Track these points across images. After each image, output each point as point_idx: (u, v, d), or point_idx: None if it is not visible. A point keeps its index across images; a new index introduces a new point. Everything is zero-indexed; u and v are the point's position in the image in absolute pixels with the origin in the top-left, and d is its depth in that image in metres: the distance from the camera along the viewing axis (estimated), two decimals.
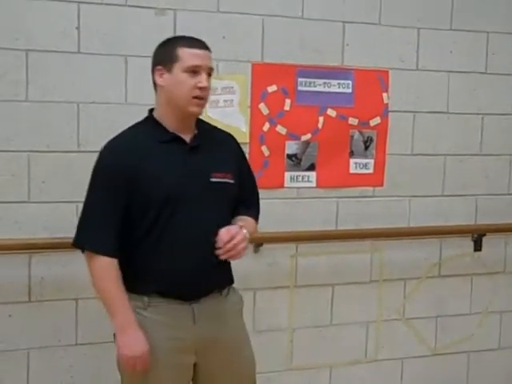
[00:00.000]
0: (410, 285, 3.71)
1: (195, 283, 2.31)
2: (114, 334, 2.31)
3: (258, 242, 3.36)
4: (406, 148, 3.63)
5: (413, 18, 3.56)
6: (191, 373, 2.40)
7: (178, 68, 2.25)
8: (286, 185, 3.41)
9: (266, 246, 3.38)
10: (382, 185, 3.60)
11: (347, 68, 3.45)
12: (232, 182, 2.40)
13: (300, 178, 3.44)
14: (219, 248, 2.24)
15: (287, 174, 3.41)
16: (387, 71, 3.53)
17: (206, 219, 2.30)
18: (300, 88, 3.37)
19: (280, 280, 3.45)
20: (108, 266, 2.24)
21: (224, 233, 2.24)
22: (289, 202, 3.43)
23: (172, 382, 2.34)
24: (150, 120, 2.36)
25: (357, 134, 3.51)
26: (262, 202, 3.31)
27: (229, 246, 2.23)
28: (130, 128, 2.37)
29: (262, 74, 3.30)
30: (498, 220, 3.77)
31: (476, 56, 3.71)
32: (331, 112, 3.44)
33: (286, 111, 3.36)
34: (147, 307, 2.30)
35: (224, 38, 3.22)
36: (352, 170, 3.53)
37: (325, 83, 3.41)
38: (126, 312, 2.25)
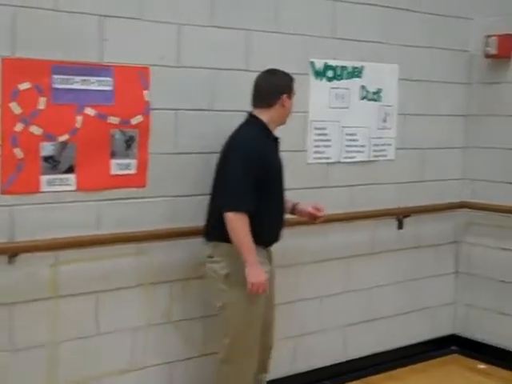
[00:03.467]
0: (177, 287, 3.87)
1: (276, 238, 3.73)
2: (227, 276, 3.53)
3: (12, 253, 3.30)
4: (169, 146, 3.77)
5: (173, 13, 3.69)
6: None
7: (291, 96, 3.67)
8: (42, 189, 3.38)
9: (22, 256, 3.33)
10: (144, 185, 3.70)
11: (107, 64, 3.49)
12: None
13: (58, 182, 3.42)
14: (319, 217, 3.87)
15: (44, 178, 3.38)
16: (148, 68, 3.63)
17: (284, 194, 3.72)
18: (56, 85, 3.35)
19: (39, 292, 3.42)
20: (247, 221, 3.45)
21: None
22: (46, 207, 3.41)
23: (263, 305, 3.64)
24: (261, 124, 3.61)
25: (118, 134, 3.56)
26: (15, 209, 3.30)
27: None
28: (251, 128, 3.60)
29: (13, 69, 3.24)
30: None
31: (237, 53, 3.96)
32: (90, 111, 3.46)
33: (41, 110, 3.33)
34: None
35: None
36: (113, 171, 3.58)
37: (83, 80, 3.43)
38: (255, 253, 3.46)
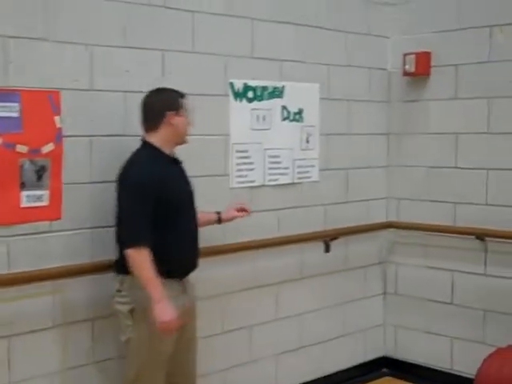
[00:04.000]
0: (98, 325, 3.62)
1: (189, 267, 3.50)
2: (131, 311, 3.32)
3: None
4: (84, 175, 3.53)
5: (84, 33, 3.48)
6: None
7: (181, 113, 3.40)
8: None
9: None
10: (59, 217, 3.45)
11: (12, 89, 3.24)
12: None
13: None
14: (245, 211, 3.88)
15: None
16: (58, 92, 3.39)
17: (194, 218, 3.51)
18: None
19: None
20: (148, 256, 3.21)
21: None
22: None
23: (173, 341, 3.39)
24: (152, 148, 3.38)
25: (28, 164, 3.31)
26: None
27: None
28: (141, 154, 3.38)
29: None
30: None
31: (152, 74, 3.76)
32: None
33: None
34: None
35: None
36: (24, 204, 3.32)
37: None
38: (160, 289, 3.20)
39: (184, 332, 3.46)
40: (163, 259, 3.24)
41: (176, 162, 3.49)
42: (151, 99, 3.42)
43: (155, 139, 3.39)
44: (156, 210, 3.25)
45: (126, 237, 3.27)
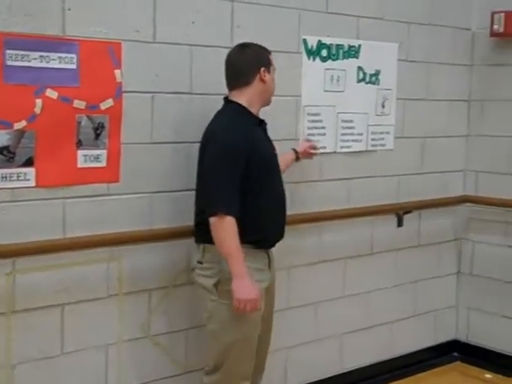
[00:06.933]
0: (156, 296, 3.42)
1: (279, 236, 3.29)
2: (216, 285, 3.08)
3: None
4: (144, 135, 3.31)
5: None
6: None
7: (272, 70, 3.25)
8: None
9: None
10: (117, 180, 3.25)
11: (70, 39, 3.02)
12: None
13: (14, 177, 2.96)
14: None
15: None
16: (120, 43, 3.16)
17: (282, 181, 3.32)
18: (9, 62, 2.87)
19: None
20: (234, 226, 2.98)
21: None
22: (1, 206, 2.94)
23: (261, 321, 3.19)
24: (240, 107, 3.17)
25: (85, 120, 3.10)
26: None
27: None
28: (230, 114, 3.18)
29: None
30: None
31: (220, 27, 3.51)
32: (51, 93, 2.99)
33: None
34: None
35: None
36: (81, 164, 3.12)
37: (42, 57, 2.95)
38: (243, 263, 2.98)
39: (265, 310, 3.23)
40: (253, 227, 3.07)
41: (261, 123, 3.28)
42: (239, 54, 3.20)
43: (243, 98, 3.17)
44: (246, 174, 3.05)
45: (209, 203, 3.04)
